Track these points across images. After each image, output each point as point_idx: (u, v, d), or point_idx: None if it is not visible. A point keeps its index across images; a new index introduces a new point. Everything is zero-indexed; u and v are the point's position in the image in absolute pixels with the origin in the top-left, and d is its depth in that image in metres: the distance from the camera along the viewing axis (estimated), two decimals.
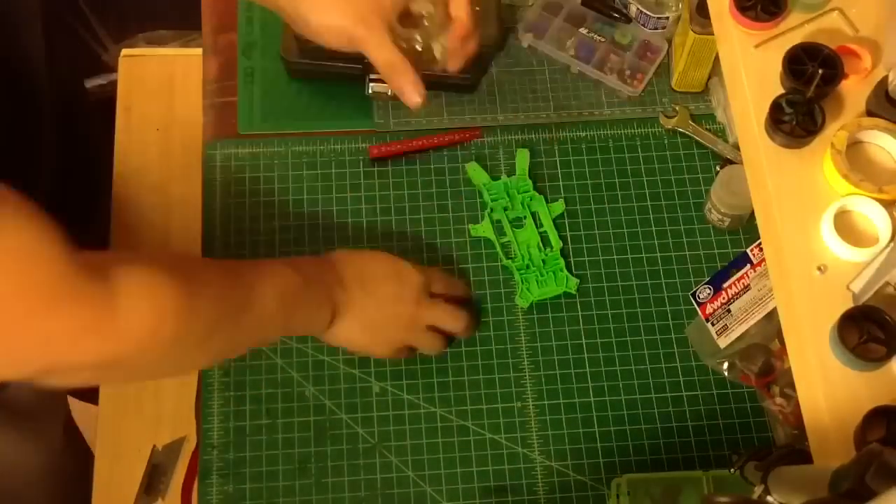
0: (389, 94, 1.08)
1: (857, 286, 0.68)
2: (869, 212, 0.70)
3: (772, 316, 1.01)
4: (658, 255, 1.11)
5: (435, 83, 1.17)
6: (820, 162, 0.72)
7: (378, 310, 0.95)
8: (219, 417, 1.02)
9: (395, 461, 1.01)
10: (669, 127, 1.17)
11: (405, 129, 1.16)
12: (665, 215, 1.13)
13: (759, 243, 1.02)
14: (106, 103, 1.28)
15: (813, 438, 0.67)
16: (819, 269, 0.69)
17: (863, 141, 0.73)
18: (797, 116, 0.72)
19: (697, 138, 1.16)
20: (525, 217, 1.12)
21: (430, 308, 1.00)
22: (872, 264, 0.68)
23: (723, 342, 1.02)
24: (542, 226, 1.11)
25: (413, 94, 0.97)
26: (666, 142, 1.17)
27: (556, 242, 1.10)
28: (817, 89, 0.72)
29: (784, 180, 0.72)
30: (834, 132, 0.72)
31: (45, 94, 1.02)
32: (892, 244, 0.69)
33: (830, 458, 0.64)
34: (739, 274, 1.03)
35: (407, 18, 0.99)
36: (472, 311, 1.04)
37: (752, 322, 1.01)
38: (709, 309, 1.03)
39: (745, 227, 1.11)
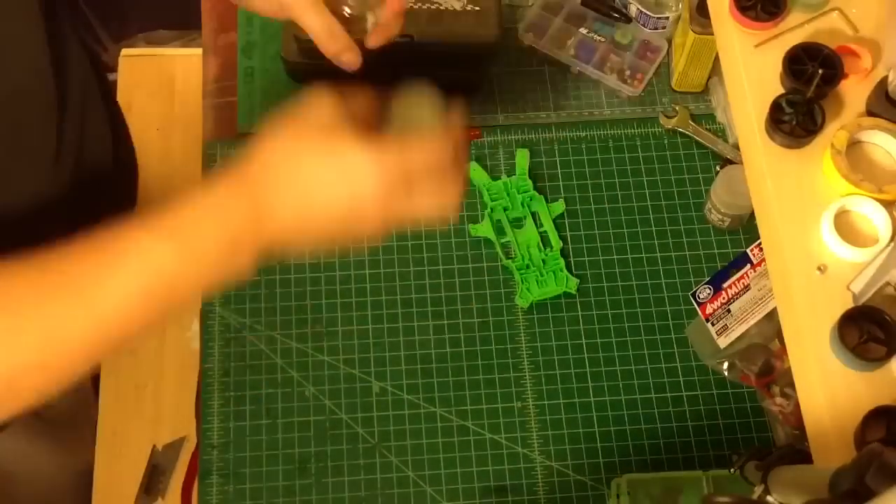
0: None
1: (857, 286, 0.68)
2: (869, 212, 0.70)
3: (772, 316, 1.01)
4: (658, 255, 1.11)
5: (435, 83, 1.17)
6: (820, 162, 0.72)
7: (328, 223, 0.69)
8: (219, 417, 1.02)
9: (395, 461, 1.01)
10: (669, 127, 1.17)
11: None
12: (665, 215, 1.13)
13: (759, 243, 1.02)
14: None
15: (813, 438, 0.67)
16: (819, 269, 0.69)
17: (863, 141, 0.73)
18: (797, 116, 0.72)
19: (697, 138, 1.16)
20: (525, 217, 1.12)
21: (404, 205, 0.71)
22: (872, 264, 0.68)
23: (723, 342, 1.02)
24: (542, 226, 1.11)
25: (352, 57, 0.87)
26: (666, 142, 1.17)
27: (556, 242, 1.10)
28: (817, 89, 0.72)
29: (784, 180, 0.72)
30: (834, 132, 0.72)
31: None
32: (892, 244, 0.69)
33: (830, 458, 0.64)
34: (739, 274, 1.03)
35: None
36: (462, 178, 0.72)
37: (752, 322, 1.01)
38: (709, 309, 1.03)
39: (745, 227, 1.11)
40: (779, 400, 1.01)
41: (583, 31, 1.20)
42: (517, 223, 1.12)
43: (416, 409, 1.03)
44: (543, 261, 1.09)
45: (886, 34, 0.76)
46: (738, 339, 1.02)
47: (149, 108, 1.23)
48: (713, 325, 1.03)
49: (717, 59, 1.12)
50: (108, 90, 0.91)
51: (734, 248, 1.11)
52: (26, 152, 0.79)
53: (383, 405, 1.03)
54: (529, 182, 1.13)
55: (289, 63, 1.16)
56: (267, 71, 1.19)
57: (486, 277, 1.09)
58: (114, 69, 1.28)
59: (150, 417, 1.03)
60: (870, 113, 0.74)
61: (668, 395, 1.04)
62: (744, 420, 1.03)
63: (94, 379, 1.06)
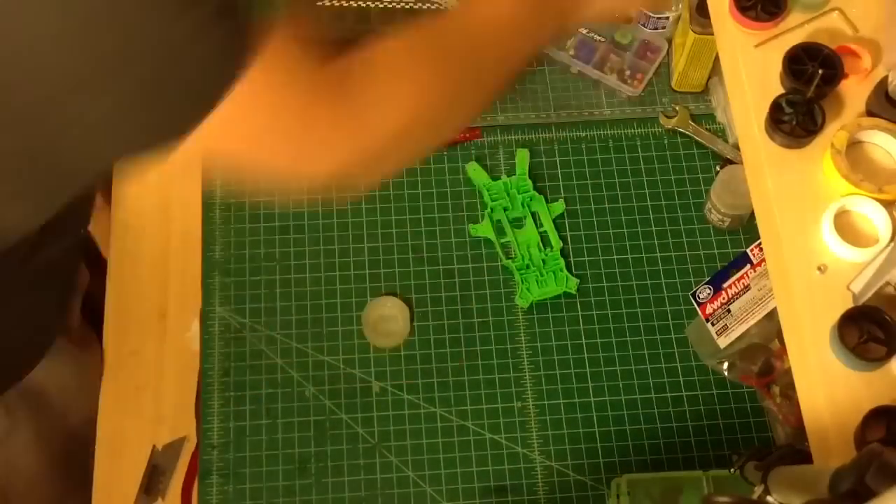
0: None
1: (857, 286, 0.68)
2: (869, 212, 0.70)
3: (772, 316, 1.01)
4: (658, 255, 1.11)
5: None
6: (820, 162, 0.72)
7: None
8: (219, 417, 1.02)
9: (395, 461, 1.01)
10: (669, 127, 1.17)
11: None
12: (665, 215, 1.13)
13: (759, 243, 1.02)
14: None
15: (813, 438, 0.67)
16: (819, 269, 0.69)
17: (863, 141, 0.73)
18: (797, 116, 0.72)
19: (697, 138, 1.16)
20: (525, 217, 1.12)
21: None
22: (872, 264, 0.68)
23: (723, 342, 1.02)
24: (542, 226, 1.11)
25: None
26: (666, 142, 1.17)
27: (556, 242, 1.10)
28: (817, 89, 0.72)
29: (784, 180, 0.72)
30: (834, 132, 0.72)
31: None
32: (892, 244, 0.69)
33: (830, 458, 0.64)
34: (739, 274, 1.03)
35: None
36: None
37: (752, 322, 1.01)
38: (709, 309, 1.03)
39: (745, 227, 1.11)
40: (779, 400, 1.01)
41: (583, 31, 1.20)
42: (517, 223, 1.12)
43: (416, 409, 1.03)
44: (543, 261, 1.09)
45: (886, 34, 0.76)
46: (738, 339, 1.02)
47: None
48: (713, 325, 1.03)
49: (717, 59, 1.12)
50: None
51: (734, 248, 1.11)
52: None
53: (383, 405, 1.03)
54: (529, 182, 1.13)
55: None
56: None
57: (486, 277, 1.09)
58: None
59: (150, 417, 1.03)
60: (870, 113, 0.74)
61: (668, 395, 1.04)
62: (744, 420, 1.03)
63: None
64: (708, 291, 1.04)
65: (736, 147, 1.12)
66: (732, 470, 0.79)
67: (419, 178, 1.14)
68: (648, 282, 1.09)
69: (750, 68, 0.77)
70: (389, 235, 1.11)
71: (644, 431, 1.03)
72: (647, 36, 1.20)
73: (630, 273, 1.10)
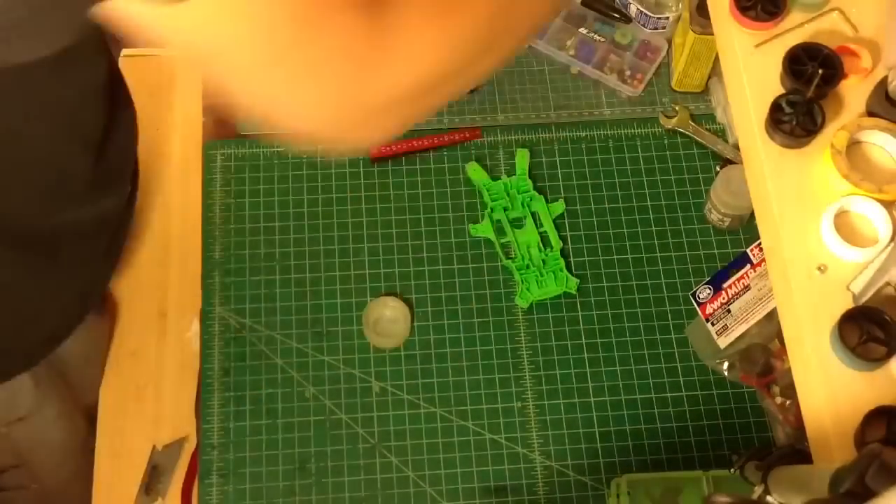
0: None
1: (857, 286, 0.68)
2: (869, 212, 0.70)
3: (772, 316, 1.01)
4: (658, 255, 1.11)
5: None
6: (820, 162, 0.72)
7: None
8: (219, 417, 1.02)
9: (395, 461, 1.01)
10: (669, 127, 1.17)
11: None
12: (665, 215, 1.13)
13: (759, 243, 1.02)
14: None
15: (813, 438, 0.67)
16: (819, 269, 0.69)
17: (863, 141, 0.73)
18: (797, 116, 0.72)
19: (697, 138, 1.16)
20: (525, 217, 1.12)
21: None
22: (872, 264, 0.68)
23: (723, 342, 1.02)
24: (542, 226, 1.11)
25: None
26: (666, 142, 1.17)
27: (556, 242, 1.10)
28: (817, 89, 0.72)
29: (784, 180, 0.72)
30: (834, 132, 0.72)
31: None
32: (892, 244, 0.69)
33: (830, 458, 0.64)
34: (739, 274, 1.03)
35: None
36: None
37: (752, 322, 1.01)
38: (709, 309, 1.03)
39: (745, 227, 1.11)
40: (779, 400, 1.01)
41: (583, 31, 1.20)
42: (517, 223, 1.12)
43: (416, 409, 1.03)
44: (543, 261, 1.09)
45: (886, 34, 0.76)
46: (738, 339, 1.02)
47: (149, 108, 1.23)
48: (713, 325, 1.03)
49: (717, 59, 1.12)
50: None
51: (734, 248, 1.11)
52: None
53: (383, 405, 1.03)
54: (529, 182, 1.13)
55: None
56: None
57: (486, 277, 1.09)
58: None
59: (150, 417, 1.03)
60: (870, 113, 0.74)
61: (668, 395, 1.04)
62: (744, 420, 1.03)
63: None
64: (708, 291, 1.04)
65: (736, 147, 1.12)
66: (732, 470, 0.79)
67: (419, 178, 1.14)
68: (648, 282, 1.09)
69: (750, 68, 0.77)
70: (389, 235, 1.11)
71: (644, 431, 1.03)
72: (647, 36, 1.20)
73: (630, 273, 1.10)
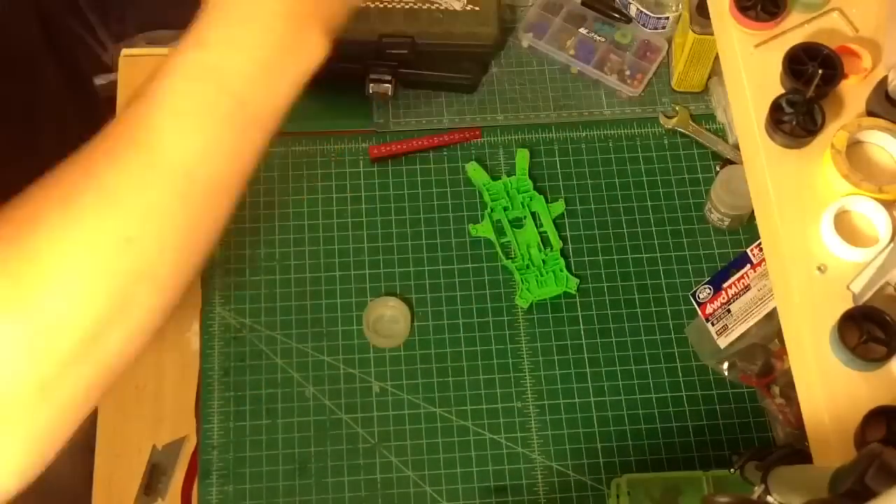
0: (389, 93, 1.08)
1: (857, 286, 0.68)
2: (869, 212, 0.70)
3: (772, 316, 1.01)
4: (658, 255, 1.11)
5: (435, 83, 1.17)
6: (820, 162, 0.72)
7: None
8: (219, 417, 1.02)
9: (395, 461, 1.01)
10: (669, 127, 1.17)
11: (405, 129, 1.16)
12: (665, 215, 1.13)
13: (759, 243, 1.02)
14: (106, 103, 1.28)
15: (813, 438, 0.67)
16: (819, 269, 0.69)
17: (863, 141, 0.73)
18: (797, 116, 0.72)
19: (697, 138, 1.16)
20: (525, 217, 1.12)
21: None
22: (872, 264, 0.68)
23: (723, 342, 1.02)
24: (542, 226, 1.11)
25: None
26: (666, 142, 1.17)
27: (556, 242, 1.10)
28: (817, 89, 0.72)
29: (784, 180, 0.72)
30: (834, 132, 0.72)
31: (44, 94, 1.02)
32: (892, 244, 0.69)
33: (830, 458, 0.64)
34: (739, 274, 1.03)
35: None
36: None
37: (752, 322, 1.01)
38: (709, 309, 1.03)
39: (745, 227, 1.11)
40: (779, 400, 1.01)
41: (583, 31, 1.20)
42: (517, 223, 1.12)
43: (416, 409, 1.03)
44: (543, 261, 1.09)
45: (886, 34, 0.76)
46: (738, 339, 1.02)
47: None
48: (713, 325, 1.03)
49: (717, 59, 1.12)
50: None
51: (734, 248, 1.11)
52: None
53: (383, 405, 1.03)
54: (529, 182, 1.13)
55: None
56: None
57: (486, 277, 1.09)
58: (114, 69, 1.28)
59: (150, 417, 1.03)
60: (870, 113, 0.74)
61: (668, 395, 1.04)
62: (744, 420, 1.03)
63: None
64: (708, 291, 1.04)
65: (736, 147, 1.12)
66: (732, 470, 0.79)
67: (419, 178, 1.14)
68: (648, 282, 1.09)
69: (750, 68, 0.77)
70: (389, 235, 1.11)
71: (644, 431, 1.03)
72: (647, 36, 1.20)
73: (630, 273, 1.10)
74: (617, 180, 1.14)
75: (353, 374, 1.04)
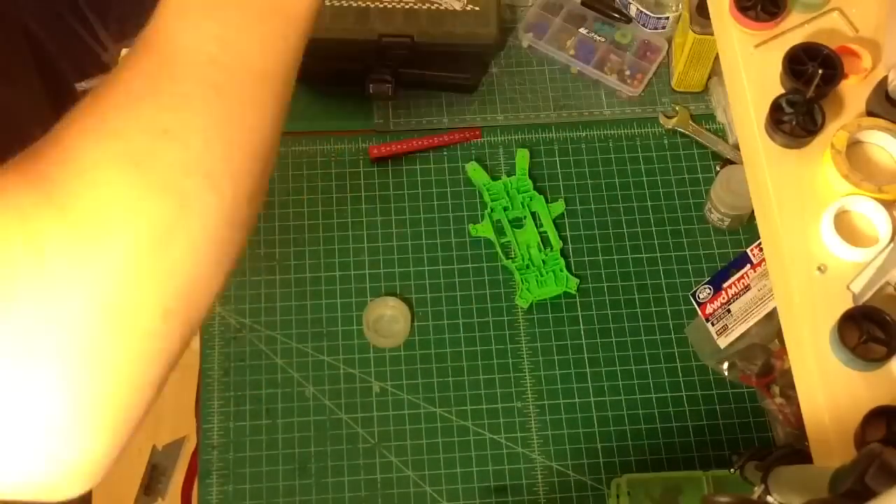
0: (389, 93, 1.08)
1: (857, 286, 0.68)
2: (869, 212, 0.70)
3: (772, 316, 1.01)
4: (658, 255, 1.11)
5: (435, 83, 1.17)
6: (820, 162, 0.72)
7: None
8: (219, 417, 1.02)
9: (395, 461, 1.01)
10: (669, 127, 1.17)
11: (405, 129, 1.16)
12: (665, 215, 1.13)
13: (759, 243, 1.02)
14: None
15: (813, 438, 0.67)
16: (819, 269, 0.69)
17: (863, 141, 0.73)
18: (797, 116, 0.72)
19: (697, 138, 1.16)
20: (525, 217, 1.12)
21: None
22: (872, 264, 0.68)
23: (723, 342, 1.02)
24: (542, 226, 1.11)
25: None
26: (666, 142, 1.17)
27: (556, 242, 1.10)
28: (817, 89, 0.72)
29: (784, 180, 0.72)
30: (834, 132, 0.72)
31: (43, 93, 1.02)
32: (892, 244, 0.69)
33: (830, 458, 0.64)
34: (739, 274, 1.03)
35: None
36: None
37: (752, 322, 1.01)
38: (709, 309, 1.03)
39: (745, 227, 1.11)
40: (779, 400, 1.01)
41: (583, 31, 1.20)
42: (517, 223, 1.12)
43: (416, 409, 1.03)
44: (543, 261, 1.09)
45: (886, 34, 0.76)
46: (738, 339, 1.02)
47: None
48: (713, 325, 1.03)
49: (717, 59, 1.12)
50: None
51: (734, 248, 1.11)
52: None
53: (383, 405, 1.03)
54: (529, 182, 1.13)
55: None
56: None
57: (486, 277, 1.09)
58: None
59: (149, 418, 1.03)
60: (870, 113, 0.74)
61: (668, 395, 1.04)
62: (744, 420, 1.03)
63: None
64: (708, 291, 1.04)
65: (736, 147, 1.12)
66: (732, 470, 0.79)
67: (419, 179, 1.14)
68: (648, 282, 1.09)
69: (750, 68, 0.77)
70: (389, 235, 1.11)
71: (644, 431, 1.03)
72: (647, 36, 1.20)
73: (630, 273, 1.10)
74: (617, 180, 1.14)
75: (353, 374, 1.05)
